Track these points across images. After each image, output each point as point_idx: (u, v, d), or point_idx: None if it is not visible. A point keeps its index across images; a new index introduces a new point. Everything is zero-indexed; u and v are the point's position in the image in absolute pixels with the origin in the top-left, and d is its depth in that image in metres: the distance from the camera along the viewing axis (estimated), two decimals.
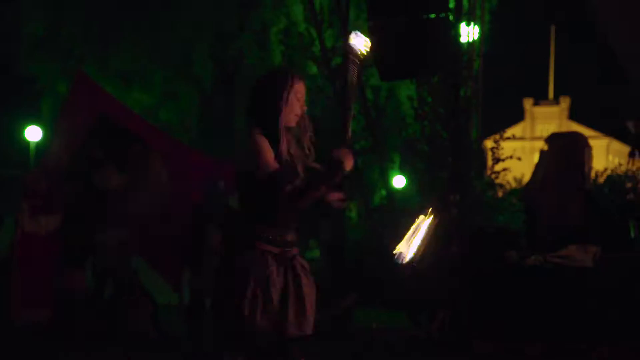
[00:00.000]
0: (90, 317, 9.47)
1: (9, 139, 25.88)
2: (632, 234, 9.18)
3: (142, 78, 25.67)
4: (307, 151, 4.30)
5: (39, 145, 24.87)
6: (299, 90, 4.27)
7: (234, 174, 4.27)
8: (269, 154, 4.08)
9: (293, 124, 4.26)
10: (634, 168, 13.85)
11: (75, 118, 10.74)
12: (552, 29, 63.70)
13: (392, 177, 23.33)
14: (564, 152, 9.55)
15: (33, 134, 25.31)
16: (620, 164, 16.70)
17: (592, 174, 13.76)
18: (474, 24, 11.86)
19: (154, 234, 10.39)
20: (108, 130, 10.66)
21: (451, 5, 10.56)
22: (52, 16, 25.39)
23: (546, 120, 64.39)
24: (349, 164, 4.03)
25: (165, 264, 10.60)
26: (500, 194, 17.29)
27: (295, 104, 4.24)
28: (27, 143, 25.51)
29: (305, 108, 4.29)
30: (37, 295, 9.66)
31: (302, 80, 4.30)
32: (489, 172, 12.36)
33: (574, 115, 64.79)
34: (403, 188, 22.93)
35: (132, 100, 24.07)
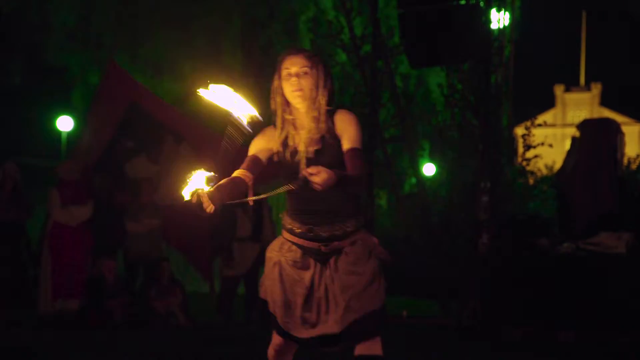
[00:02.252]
0: (120, 306, 9.53)
1: (40, 129, 26.04)
2: None
3: (173, 68, 25.75)
4: (308, 133, 3.83)
5: (70, 135, 25.02)
6: (285, 67, 3.84)
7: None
8: (252, 144, 3.89)
9: (299, 107, 3.85)
10: None
11: (107, 108, 10.79)
12: (584, 14, 63.25)
13: (422, 164, 23.28)
14: (596, 139, 9.47)
15: (64, 124, 25.44)
16: None
17: (625, 161, 13.63)
18: (505, 10, 11.78)
19: (184, 223, 10.44)
20: (139, 120, 10.71)
21: None
22: (82, 6, 25.51)
23: (577, 106, 64.07)
24: (316, 183, 3.45)
25: (196, 253, 10.65)
26: (531, 181, 17.21)
27: (286, 85, 3.84)
28: (59, 133, 25.66)
29: (295, 83, 3.80)
30: (68, 285, 9.73)
31: (289, 54, 3.85)
32: (519, 159, 12.27)
33: (606, 101, 64.36)
34: (433, 176, 22.87)
35: (163, 90, 24.16)
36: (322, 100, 3.84)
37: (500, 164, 11.13)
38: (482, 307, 9.21)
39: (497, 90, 11.17)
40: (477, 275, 9.55)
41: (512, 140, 14.28)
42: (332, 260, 3.85)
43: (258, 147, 3.88)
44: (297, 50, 3.93)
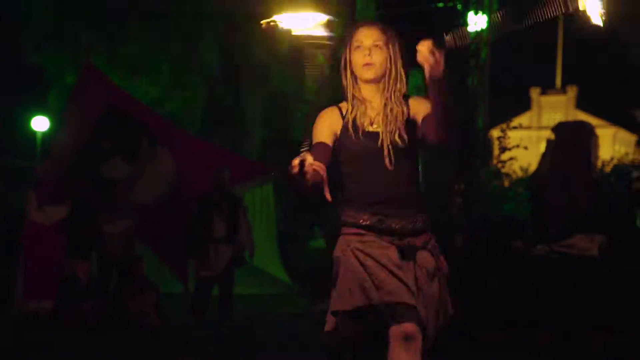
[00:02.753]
0: (94, 307, 9.49)
1: (15, 129, 25.89)
2: (638, 224, 9.18)
3: (150, 69, 25.67)
4: (388, 112, 3.46)
5: (45, 135, 24.91)
6: (356, 39, 3.50)
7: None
8: (316, 130, 3.51)
9: (368, 83, 3.51)
10: None
11: (83, 108, 10.76)
12: (560, 17, 63.61)
13: None
14: (570, 142, 9.53)
15: (40, 124, 25.35)
16: (626, 153, 16.65)
17: (599, 163, 13.72)
18: (482, 13, 11.84)
19: (160, 224, 10.42)
20: (116, 121, 10.69)
21: None
22: (59, 6, 25.38)
23: (553, 109, 64.27)
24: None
25: (171, 254, 10.63)
26: (506, 183, 17.27)
27: (356, 58, 3.50)
28: (34, 133, 25.54)
29: (367, 56, 3.45)
30: (42, 285, 9.68)
31: (362, 25, 3.54)
32: (495, 161, 12.35)
33: (581, 104, 64.65)
34: None
35: (140, 91, 24.06)
36: (400, 82, 3.54)
37: (475, 166, 11.19)
38: (457, 308, 9.25)
39: (473, 93, 11.23)
40: (451, 278, 9.59)
41: (488, 142, 14.35)
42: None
43: (324, 133, 3.49)
44: (371, 21, 3.69)
